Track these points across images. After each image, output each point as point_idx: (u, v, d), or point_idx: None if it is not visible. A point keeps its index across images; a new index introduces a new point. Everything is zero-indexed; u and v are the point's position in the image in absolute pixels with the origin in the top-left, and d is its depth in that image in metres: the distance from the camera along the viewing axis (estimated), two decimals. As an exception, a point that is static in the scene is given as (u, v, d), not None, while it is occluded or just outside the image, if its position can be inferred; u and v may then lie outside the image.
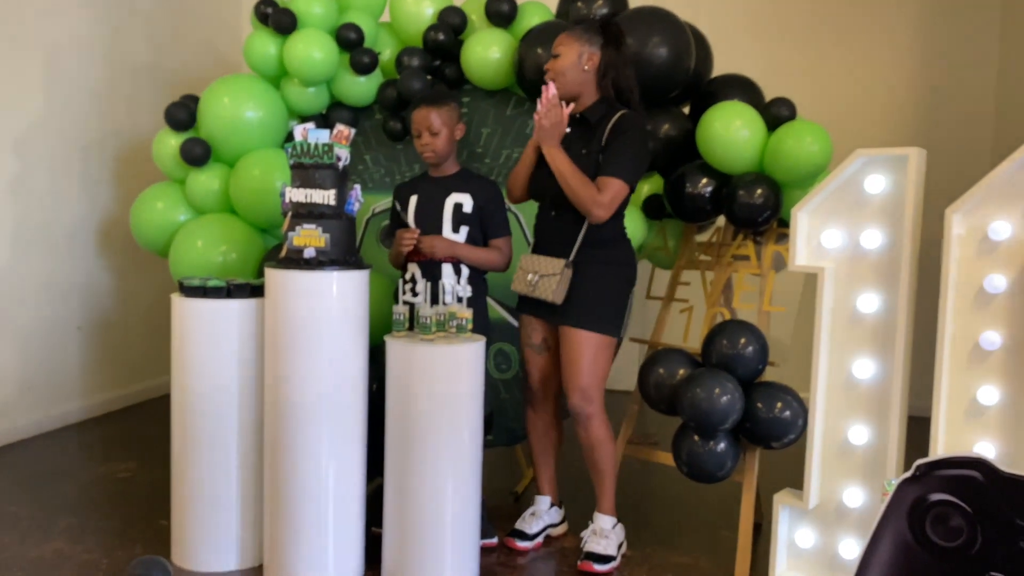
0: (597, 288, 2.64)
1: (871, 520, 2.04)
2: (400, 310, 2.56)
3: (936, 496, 1.96)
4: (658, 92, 2.99)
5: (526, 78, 3.10)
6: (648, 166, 2.74)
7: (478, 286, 2.85)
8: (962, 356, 2.24)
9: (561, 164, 2.57)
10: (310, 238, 2.42)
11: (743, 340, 2.64)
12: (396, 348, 2.50)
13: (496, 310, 3.23)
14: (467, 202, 2.80)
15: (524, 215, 3.23)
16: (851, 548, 2.41)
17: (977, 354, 2.22)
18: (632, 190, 2.61)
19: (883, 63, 4.67)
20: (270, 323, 2.47)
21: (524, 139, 3.23)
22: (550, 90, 2.60)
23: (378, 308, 2.81)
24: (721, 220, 3.14)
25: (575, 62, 2.62)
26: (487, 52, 3.16)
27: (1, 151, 3.81)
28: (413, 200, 2.84)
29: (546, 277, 2.60)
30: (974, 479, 1.92)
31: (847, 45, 4.70)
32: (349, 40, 3.24)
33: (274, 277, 2.45)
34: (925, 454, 2.07)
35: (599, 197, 2.53)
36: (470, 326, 2.55)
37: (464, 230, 2.81)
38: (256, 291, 2.60)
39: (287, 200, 2.49)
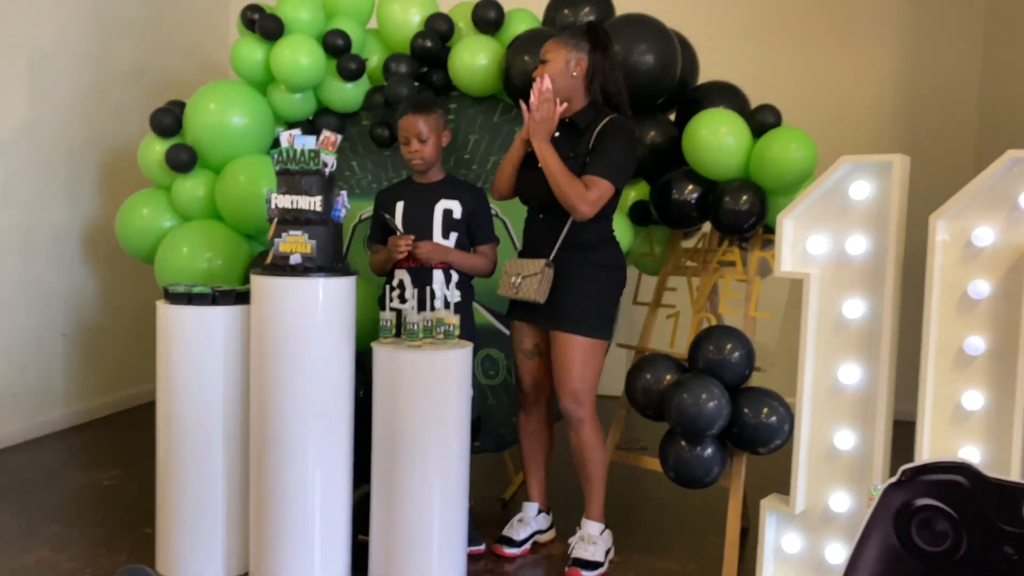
0: (586, 292, 2.64)
1: (857, 525, 2.05)
2: (387, 316, 2.56)
3: (922, 501, 1.96)
4: (644, 99, 3.00)
5: (513, 85, 3.10)
6: (635, 169, 2.74)
7: (465, 292, 2.86)
8: (946, 361, 2.26)
9: (550, 159, 2.57)
10: (296, 244, 2.41)
11: (729, 346, 2.65)
12: (383, 355, 2.49)
13: (483, 315, 3.23)
14: (456, 208, 2.81)
15: (511, 221, 3.23)
16: (838, 553, 2.42)
17: (961, 359, 2.24)
18: (618, 191, 2.62)
19: (868, 70, 4.71)
20: (256, 330, 2.46)
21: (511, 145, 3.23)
22: (544, 83, 2.60)
23: (365, 314, 2.81)
24: (707, 226, 3.15)
25: (563, 68, 2.62)
26: (474, 59, 3.17)
27: (-15, 157, 3.79)
28: (400, 206, 2.84)
29: (528, 278, 2.61)
30: (959, 484, 1.93)
31: (832, 52, 4.73)
32: (336, 46, 3.24)
33: (260, 284, 2.44)
34: (911, 459, 2.08)
35: (585, 194, 2.53)
36: (457, 332, 2.55)
37: (454, 236, 2.82)
38: (242, 298, 2.58)
39: (273, 206, 2.48)
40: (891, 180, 2.31)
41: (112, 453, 3.90)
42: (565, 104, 2.63)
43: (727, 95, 3.08)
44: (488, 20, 3.23)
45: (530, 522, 2.89)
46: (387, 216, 2.82)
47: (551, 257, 2.62)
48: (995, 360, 2.19)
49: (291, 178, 2.44)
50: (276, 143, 2.49)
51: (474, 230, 2.85)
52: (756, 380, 2.74)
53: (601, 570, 2.70)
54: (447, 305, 2.59)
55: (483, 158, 3.28)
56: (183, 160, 3.25)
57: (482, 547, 2.84)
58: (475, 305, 3.05)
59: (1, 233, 3.88)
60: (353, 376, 2.53)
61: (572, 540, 2.77)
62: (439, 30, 3.26)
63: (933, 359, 2.26)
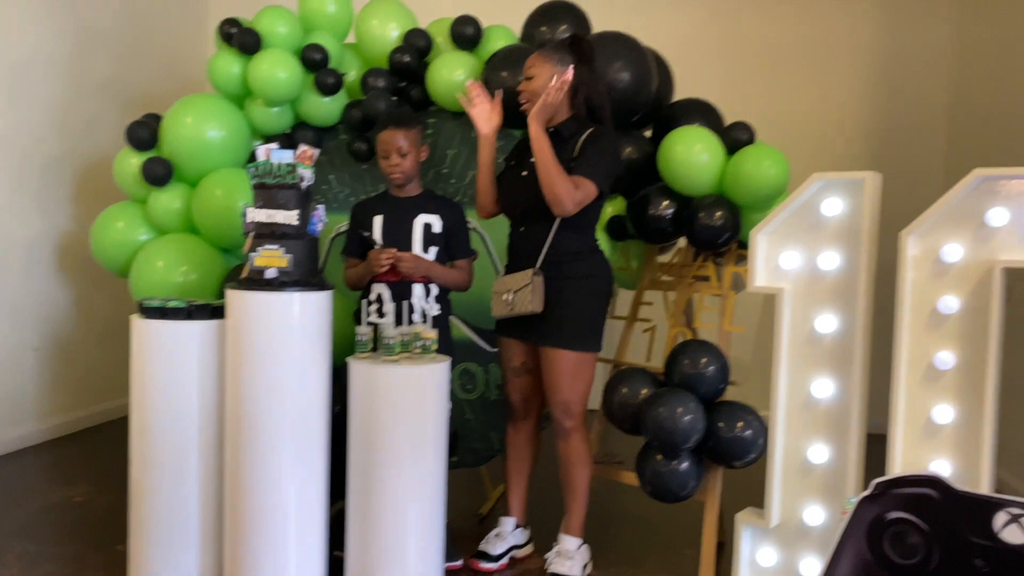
0: (572, 305, 2.65)
1: (831, 538, 2.06)
2: (364, 331, 2.56)
3: (894, 514, 1.99)
4: (620, 116, 3.02)
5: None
6: (618, 176, 2.76)
7: (443, 306, 2.87)
8: (917, 376, 2.29)
9: (542, 142, 2.56)
10: (272, 258, 2.40)
11: (704, 360, 2.67)
12: (359, 369, 2.48)
13: (461, 330, 3.23)
14: (436, 223, 2.83)
15: (491, 235, 3.24)
16: (812, 566, 2.44)
17: (931, 374, 2.27)
18: (602, 195, 2.63)
19: (839, 89, 4.78)
20: (231, 345, 2.45)
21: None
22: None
23: (341, 329, 2.80)
24: (682, 241, 3.18)
25: (548, 83, 2.64)
26: (452, 74, 3.18)
27: (-44, 169, 3.74)
28: (378, 220, 2.84)
29: (520, 291, 2.61)
30: (930, 497, 1.95)
31: (804, 71, 4.80)
32: (314, 61, 3.24)
33: (235, 298, 2.43)
34: (884, 472, 2.10)
35: (571, 188, 2.54)
36: (435, 347, 2.55)
37: (433, 250, 2.83)
38: (217, 312, 2.57)
39: (249, 220, 2.47)
40: (862, 197, 2.34)
41: (83, 469, 3.85)
42: (528, 102, 2.66)
43: (702, 112, 3.12)
44: (466, 36, 3.25)
45: (507, 537, 2.89)
46: (366, 234, 2.82)
47: (538, 265, 2.63)
48: (964, 374, 2.22)
49: (267, 192, 2.44)
50: (253, 157, 2.49)
51: (452, 244, 2.87)
52: (731, 394, 2.77)
53: (578, 585, 2.71)
54: (426, 318, 2.59)
55: (461, 173, 3.29)
56: (159, 173, 3.23)
57: (459, 562, 2.83)
58: (453, 319, 3.05)
59: (-28, 246, 3.84)
60: (329, 391, 2.52)
61: (549, 555, 2.77)
62: (417, 45, 3.27)
63: (904, 373, 2.29)
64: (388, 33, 3.32)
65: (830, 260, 2.41)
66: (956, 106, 4.57)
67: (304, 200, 2.46)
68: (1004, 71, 3.98)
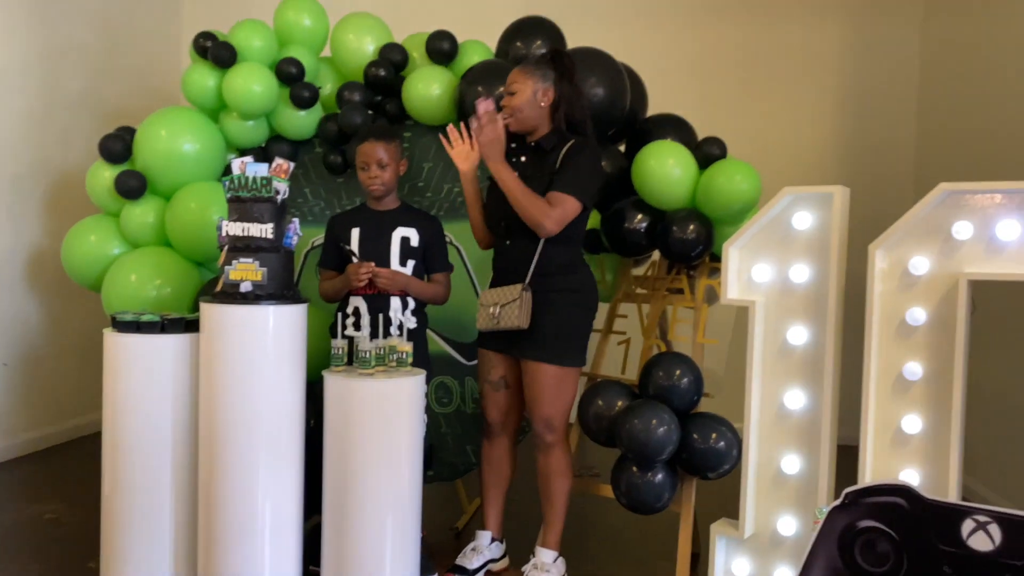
0: (556, 319, 2.65)
1: (805, 548, 2.09)
2: (338, 344, 2.55)
3: (864, 523, 2.02)
4: (596, 130, 3.05)
5: (467, 115, 3.14)
6: (601, 187, 2.77)
7: (421, 319, 2.87)
8: (887, 386, 2.32)
9: (508, 179, 2.60)
10: (247, 272, 2.40)
11: (678, 372, 2.70)
12: (334, 383, 2.48)
13: (437, 343, 3.23)
14: (414, 236, 2.84)
15: (465, 247, 3.26)
16: (785, 576, 2.46)
17: (901, 384, 2.31)
18: (585, 209, 2.64)
19: (810, 104, 4.85)
20: (205, 358, 2.43)
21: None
22: (485, 105, 2.64)
23: (316, 342, 2.79)
24: (656, 254, 3.21)
25: (531, 98, 2.66)
26: (428, 89, 3.20)
27: (-75, 182, 3.69)
28: (355, 233, 2.84)
29: (507, 305, 2.61)
30: (899, 506, 1.99)
31: (775, 87, 4.87)
32: (289, 74, 3.25)
33: (209, 311, 2.42)
34: (855, 483, 2.13)
35: (548, 209, 2.55)
36: (410, 360, 2.55)
37: (411, 264, 2.84)
38: (191, 326, 2.56)
39: (224, 234, 2.46)
40: (832, 211, 2.38)
41: (54, 486, 3.79)
42: (511, 117, 2.67)
43: (675, 127, 3.16)
44: (442, 51, 3.27)
45: (483, 551, 2.88)
46: (346, 247, 2.82)
47: (527, 280, 2.63)
48: (932, 385, 2.26)
49: (242, 205, 2.43)
50: (228, 170, 2.49)
51: (429, 258, 2.88)
52: (705, 406, 2.79)
53: (554, 598, 2.71)
54: (402, 331, 2.60)
55: (437, 186, 3.31)
56: (133, 187, 3.22)
57: (435, 576, 2.82)
58: (430, 333, 3.05)
59: (-59, 260, 3.79)
60: (304, 405, 2.52)
61: (525, 568, 2.77)
62: (393, 60, 3.29)
63: (874, 384, 2.33)
64: (364, 47, 3.34)
65: (801, 273, 2.44)
66: (925, 120, 4.66)
67: (279, 213, 2.46)
68: (971, 85, 4.06)
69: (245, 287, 2.40)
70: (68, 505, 3.50)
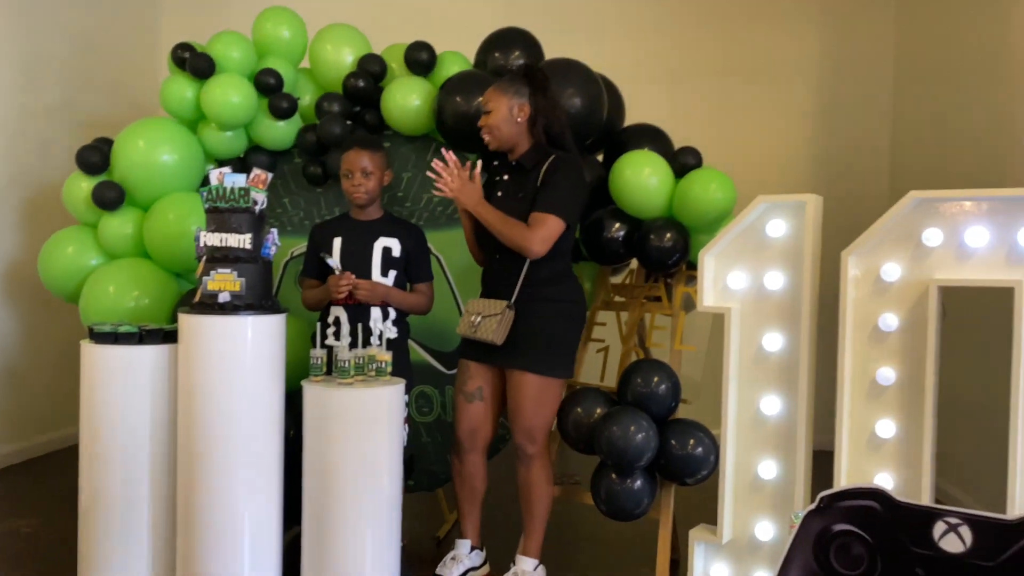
0: (542, 330, 2.66)
1: (782, 552, 2.11)
2: (317, 354, 2.55)
3: (839, 526, 2.04)
4: (574, 140, 3.08)
5: (446, 125, 3.16)
6: (587, 200, 2.79)
7: (402, 328, 2.88)
8: (861, 392, 2.36)
9: (487, 216, 2.62)
10: (225, 282, 2.40)
11: (656, 379, 2.72)
12: (313, 393, 2.48)
13: (417, 352, 3.24)
14: (395, 246, 2.84)
15: (445, 257, 3.27)
16: (763, 581, 2.48)
17: (874, 389, 2.34)
18: (570, 226, 2.65)
19: (784, 113, 4.91)
20: (183, 370, 2.43)
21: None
22: (449, 157, 2.67)
23: (296, 353, 2.79)
24: (634, 263, 3.24)
25: (507, 116, 2.67)
26: (407, 99, 3.21)
27: (-101, 194, 3.66)
28: (337, 242, 2.85)
29: (488, 318, 2.62)
30: (873, 509, 2.01)
31: (750, 96, 4.92)
32: (268, 85, 3.25)
33: (187, 322, 2.42)
34: (831, 487, 2.16)
35: (530, 233, 2.57)
36: (389, 369, 2.55)
37: (392, 274, 2.84)
38: (169, 337, 2.55)
39: (202, 244, 2.46)
40: (805, 219, 2.42)
41: (32, 500, 3.76)
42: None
43: (651, 137, 3.19)
44: (420, 62, 3.29)
45: (463, 559, 2.88)
46: (327, 258, 2.83)
47: (512, 299, 2.64)
48: (905, 389, 2.29)
49: (220, 216, 2.44)
50: (206, 181, 2.49)
51: (412, 268, 2.89)
52: (682, 412, 2.81)
53: (534, 605, 2.71)
54: (382, 341, 2.60)
55: (416, 196, 3.32)
56: (110, 198, 3.21)
57: (415, 586, 2.82)
58: (410, 342, 3.06)
59: (-85, 272, 3.75)
60: (283, 415, 2.52)
61: (506, 576, 2.78)
62: (371, 70, 3.30)
63: (848, 390, 2.36)
64: (342, 58, 3.35)
65: (775, 280, 2.47)
66: (899, 129, 4.72)
67: (257, 224, 2.47)
68: (944, 95, 4.13)
69: (223, 297, 2.40)
70: (46, 519, 3.47)
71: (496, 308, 2.62)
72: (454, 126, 3.12)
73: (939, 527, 1.91)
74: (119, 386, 2.52)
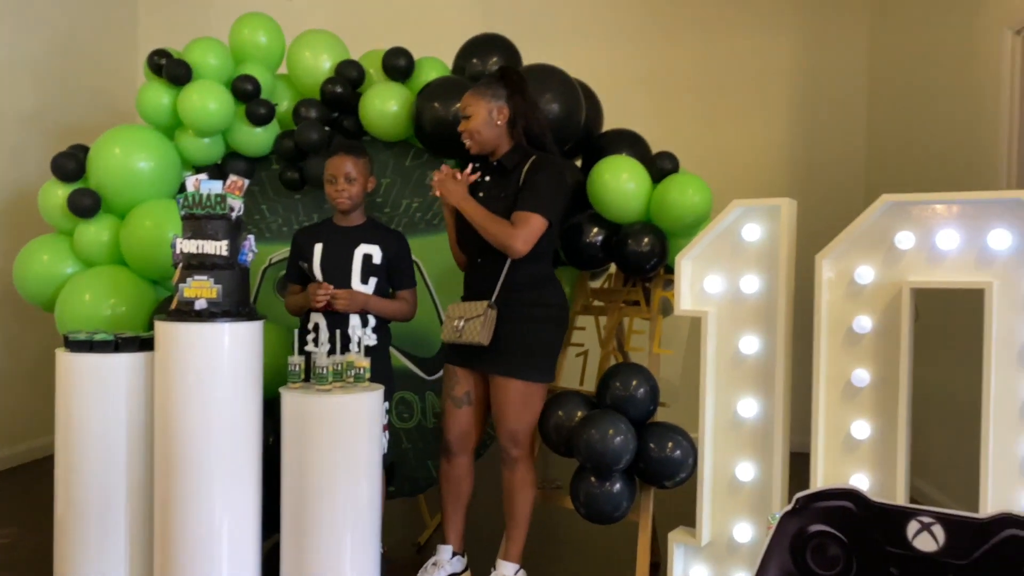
0: (524, 335, 2.66)
1: (760, 553, 2.12)
2: (295, 361, 2.55)
3: (815, 527, 2.06)
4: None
5: (424, 131, 3.16)
6: (568, 200, 2.80)
7: (383, 335, 2.87)
8: (836, 393, 2.38)
9: (471, 211, 2.64)
10: (201, 289, 2.39)
11: (635, 382, 2.73)
12: (291, 400, 2.47)
13: (397, 358, 3.23)
14: (376, 253, 2.84)
15: (425, 263, 3.27)
16: (741, 582, 2.49)
17: (849, 391, 2.36)
18: (553, 225, 2.66)
19: (760, 118, 4.95)
20: (160, 378, 2.42)
21: (423, 189, 3.28)
22: (438, 174, 2.72)
23: (275, 359, 2.78)
24: (613, 267, 3.26)
25: (487, 120, 2.68)
26: (385, 105, 3.22)
27: None
28: (318, 248, 2.84)
29: (471, 320, 2.62)
30: (848, 509, 2.03)
31: (727, 101, 4.96)
32: (245, 92, 3.24)
33: (164, 330, 2.40)
34: (808, 488, 2.17)
35: (513, 231, 2.58)
36: (368, 375, 2.55)
37: (373, 281, 2.83)
38: (146, 344, 2.54)
39: (178, 251, 2.45)
40: (780, 222, 2.44)
41: (8, 510, 3.72)
42: (471, 141, 2.71)
43: (629, 142, 3.21)
44: (398, 68, 3.29)
45: (444, 565, 2.88)
46: (303, 264, 2.82)
47: (493, 298, 2.65)
48: (879, 391, 2.32)
49: (196, 223, 2.43)
50: (183, 187, 2.48)
51: (394, 275, 2.88)
52: (661, 415, 2.82)
53: (515, 610, 2.72)
54: (361, 348, 2.60)
55: (395, 202, 3.32)
56: (86, 205, 3.19)
57: (396, 592, 2.82)
58: (390, 349, 3.05)
59: None
60: (261, 423, 2.51)
61: (486, 581, 2.78)
62: (349, 76, 3.30)
63: (824, 391, 2.38)
64: (320, 64, 3.35)
65: (751, 283, 2.49)
66: (874, 134, 4.78)
67: (234, 230, 2.46)
68: (917, 100, 4.18)
69: (200, 305, 2.39)
70: (23, 529, 3.43)
71: (477, 310, 2.63)
72: (432, 132, 3.13)
73: (913, 526, 1.93)
74: (95, 395, 2.50)
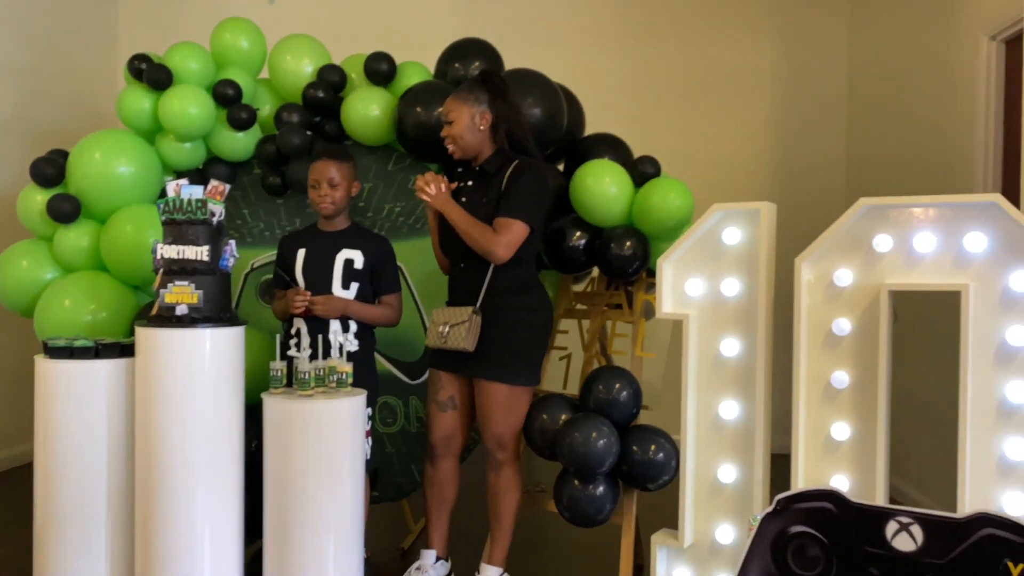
0: (509, 338, 2.67)
1: (742, 555, 2.14)
2: (277, 366, 2.54)
3: (795, 528, 2.08)
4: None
5: (406, 135, 3.17)
6: (551, 205, 2.81)
7: (366, 340, 2.85)
8: (816, 395, 2.40)
9: (455, 215, 2.64)
10: (182, 295, 2.38)
11: (618, 385, 2.74)
12: (273, 405, 2.46)
13: (381, 363, 3.23)
14: (358, 259, 2.82)
15: (408, 268, 3.26)
16: (724, 584, 2.51)
17: (829, 393, 2.39)
18: (535, 230, 2.67)
19: (741, 122, 4.99)
20: (141, 384, 2.40)
21: (406, 193, 3.28)
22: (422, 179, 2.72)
23: (257, 365, 2.77)
24: (595, 271, 3.27)
25: (469, 125, 2.68)
26: (367, 109, 3.21)
27: None
28: (301, 254, 2.83)
29: (456, 326, 2.62)
30: (828, 510, 2.05)
31: (708, 106, 5.00)
32: (226, 96, 3.23)
33: (145, 335, 2.39)
34: (789, 489, 2.19)
35: (495, 237, 2.58)
36: (350, 380, 2.54)
37: (354, 286, 2.82)
38: (126, 351, 2.52)
39: (159, 256, 2.44)
40: (760, 226, 2.46)
41: (-14, 519, 3.69)
42: (454, 146, 2.71)
43: (611, 146, 3.22)
44: (380, 72, 3.29)
45: (428, 570, 2.87)
46: (280, 271, 2.81)
47: (478, 304, 2.65)
48: (858, 392, 2.34)
49: (177, 228, 2.42)
50: (164, 193, 2.47)
51: (378, 280, 2.86)
52: (644, 418, 2.84)
53: (499, 614, 2.72)
54: (342, 353, 2.59)
55: (378, 206, 3.32)
56: (66, 210, 3.16)
57: (380, 597, 2.81)
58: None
59: None
60: (242, 429, 2.50)
61: (470, 585, 2.78)
62: (331, 81, 3.30)
63: (804, 393, 2.40)
64: (302, 69, 3.34)
65: (732, 286, 2.51)
66: (854, 138, 4.82)
67: (215, 236, 2.45)
68: (897, 103, 4.23)
69: (181, 310, 2.38)
70: (4, 537, 3.40)
71: (462, 315, 2.63)
72: (415, 136, 3.13)
73: (891, 527, 1.95)
74: (75, 402, 2.48)
